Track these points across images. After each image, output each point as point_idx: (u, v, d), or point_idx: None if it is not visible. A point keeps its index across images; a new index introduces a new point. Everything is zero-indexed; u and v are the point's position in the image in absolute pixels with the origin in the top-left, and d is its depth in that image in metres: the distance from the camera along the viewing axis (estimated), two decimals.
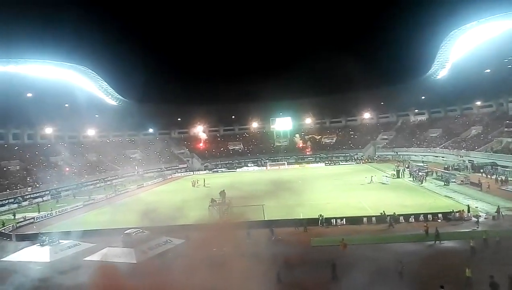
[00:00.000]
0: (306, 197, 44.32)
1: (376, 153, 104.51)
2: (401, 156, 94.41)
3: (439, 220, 34.95)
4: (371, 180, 59.95)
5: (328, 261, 23.57)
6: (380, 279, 21.94)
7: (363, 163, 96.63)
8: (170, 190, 68.78)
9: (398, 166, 71.18)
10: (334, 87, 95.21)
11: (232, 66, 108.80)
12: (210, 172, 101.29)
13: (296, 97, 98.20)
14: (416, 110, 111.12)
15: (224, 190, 39.99)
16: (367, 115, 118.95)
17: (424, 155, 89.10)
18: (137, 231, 32.67)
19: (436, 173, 62.11)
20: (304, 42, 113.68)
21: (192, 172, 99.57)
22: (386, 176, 61.86)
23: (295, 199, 40.47)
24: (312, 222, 35.72)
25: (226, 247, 28.59)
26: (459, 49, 74.59)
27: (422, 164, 72.47)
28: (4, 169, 71.69)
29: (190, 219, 34.95)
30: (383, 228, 33.79)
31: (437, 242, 28.53)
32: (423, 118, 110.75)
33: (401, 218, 35.37)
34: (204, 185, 70.05)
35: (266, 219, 34.02)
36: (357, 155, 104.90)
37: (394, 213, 35.85)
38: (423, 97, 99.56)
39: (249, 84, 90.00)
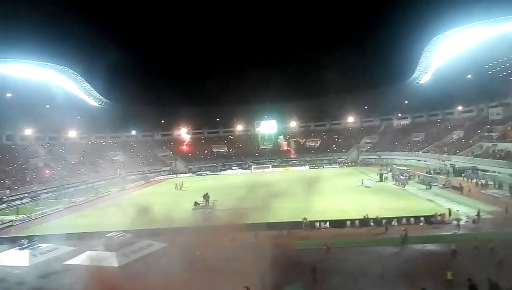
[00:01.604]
0: (289, 200, 44.30)
1: (360, 157, 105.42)
2: (384, 159, 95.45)
3: (421, 223, 35.32)
4: (362, 183, 60.22)
5: (310, 264, 23.54)
6: (362, 282, 22.02)
7: (346, 166, 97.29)
8: (152, 193, 68.02)
9: (381, 170, 71.81)
10: (319, 90, 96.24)
11: (217, 68, 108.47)
12: (194, 175, 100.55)
13: (281, 100, 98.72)
14: (400, 115, 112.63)
15: (207, 193, 39.78)
16: (351, 119, 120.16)
17: (407, 159, 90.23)
18: (119, 234, 32.19)
19: (419, 177, 62.86)
20: (289, 45, 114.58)
21: (175, 175, 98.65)
22: (369, 180, 62.35)
23: (278, 202, 40.35)
24: (296, 225, 35.67)
25: (209, 251, 28.35)
26: (441, 55, 76.04)
27: (404, 168, 73.28)
28: None
29: (173, 222, 34.59)
30: (379, 232, 33.79)
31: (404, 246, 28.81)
32: (406, 122, 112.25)
33: (383, 221, 35.60)
34: (181, 189, 69.41)
35: (250, 222, 33.78)
36: (340, 158, 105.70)
37: (377, 216, 36.11)
38: (406, 102, 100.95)
39: (234, 86, 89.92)
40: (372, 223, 35.74)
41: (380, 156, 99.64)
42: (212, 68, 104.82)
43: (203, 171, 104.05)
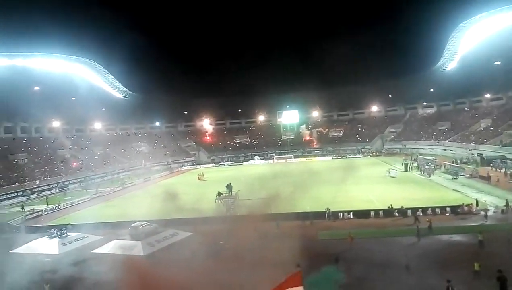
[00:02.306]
0: (312, 191, 44.17)
1: (384, 146, 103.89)
2: (409, 149, 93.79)
3: (447, 214, 34.72)
4: (389, 173, 59.40)
5: (334, 254, 23.52)
6: (386, 272, 21.85)
7: (370, 156, 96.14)
8: (176, 183, 68.85)
9: (406, 160, 70.66)
10: (342, 79, 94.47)
11: (239, 58, 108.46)
12: (216, 165, 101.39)
13: (303, 90, 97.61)
14: (425, 103, 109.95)
15: (230, 183, 40.01)
16: (374, 108, 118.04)
17: (433, 149, 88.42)
18: (144, 224, 32.83)
19: (445, 167, 61.57)
20: (312, 33, 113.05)
21: (198, 165, 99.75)
22: (394, 170, 61.41)
23: (301, 193, 40.32)
24: (319, 215, 35.62)
25: (232, 240, 28.63)
26: (468, 41, 73.77)
27: (430, 158, 71.87)
28: (13, 162, 72.24)
29: (197, 212, 35.05)
30: (404, 222, 33.33)
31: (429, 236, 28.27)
32: (431, 111, 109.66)
33: (409, 211, 35.12)
34: (202, 179, 69.94)
35: (272, 212, 33.88)
36: (364, 148, 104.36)
37: (402, 206, 35.66)
38: (431, 90, 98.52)
39: (256, 77, 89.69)
40: (396, 214, 35.31)
41: (404, 146, 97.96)
42: (234, 59, 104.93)
43: (225, 161, 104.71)
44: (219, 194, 39.26)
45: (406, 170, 64.32)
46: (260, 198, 35.15)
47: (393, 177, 57.90)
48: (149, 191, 59.93)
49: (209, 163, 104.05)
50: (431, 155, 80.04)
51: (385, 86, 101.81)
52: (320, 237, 30.35)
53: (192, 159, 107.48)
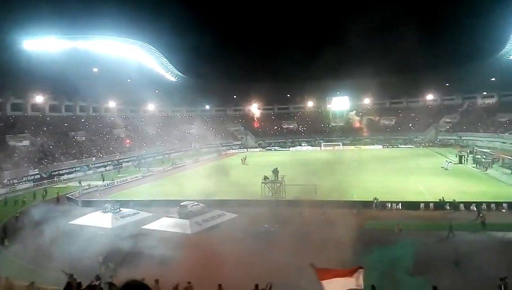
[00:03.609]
0: (360, 179, 43.39)
1: (438, 137, 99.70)
2: (464, 141, 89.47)
3: (504, 210, 32.95)
4: (447, 165, 56.98)
5: (381, 245, 23.07)
6: (434, 266, 21.19)
7: (423, 146, 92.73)
8: (223, 166, 69.86)
9: (460, 151, 67.51)
10: (396, 65, 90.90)
11: (289, 42, 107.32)
12: (263, 150, 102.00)
13: (354, 75, 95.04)
14: (485, 93, 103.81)
15: (277, 168, 40.14)
16: (430, 97, 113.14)
17: (491, 141, 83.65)
18: (192, 203, 33.80)
19: (503, 161, 58.14)
20: (365, 16, 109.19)
21: (246, 149, 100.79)
22: (450, 162, 58.77)
23: (348, 181, 39.79)
24: (366, 205, 35.00)
25: (277, 224, 28.95)
26: None
27: (488, 150, 68.15)
28: (73, 139, 76.44)
29: (243, 194, 35.56)
30: (455, 216, 32.07)
31: (451, 234, 26.78)
32: (491, 101, 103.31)
33: (461, 205, 33.69)
34: (245, 163, 70.50)
35: (318, 199, 33.75)
36: (417, 138, 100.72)
37: (454, 200, 34.27)
38: (493, 79, 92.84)
39: (306, 62, 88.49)
40: (448, 207, 33.99)
41: (460, 137, 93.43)
42: (284, 44, 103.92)
43: (272, 146, 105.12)
44: (265, 178, 39.52)
45: (460, 162, 61.49)
46: (306, 184, 35.13)
47: (447, 169, 55.55)
48: (197, 172, 61.51)
49: (256, 148, 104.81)
50: (488, 147, 75.84)
51: (443, 74, 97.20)
52: (366, 226, 29.87)
53: (239, 143, 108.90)
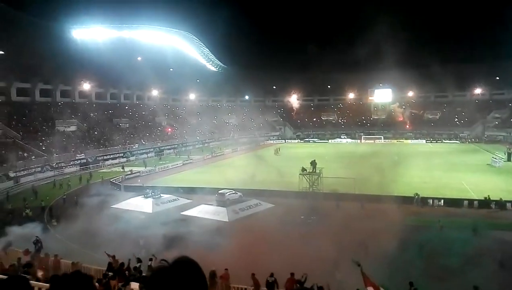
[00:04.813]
0: (401, 174, 42.33)
1: (485, 133, 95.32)
2: None
3: None
4: (498, 164, 54.59)
5: (420, 241, 22.57)
6: (476, 265, 20.41)
7: (469, 142, 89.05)
8: (261, 156, 69.96)
9: (509, 149, 64.30)
10: (443, 57, 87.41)
11: (331, 32, 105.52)
12: (301, 141, 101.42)
13: (398, 67, 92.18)
14: None
15: (315, 160, 39.80)
16: (478, 91, 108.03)
17: None
18: (230, 191, 34.29)
19: None
20: (410, 5, 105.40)
21: (284, 140, 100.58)
22: (500, 159, 56.08)
23: (388, 175, 38.89)
24: (406, 200, 34.13)
25: (314, 216, 28.84)
26: None
27: None
28: (117, 126, 79.03)
29: (281, 185, 35.57)
30: (501, 215, 30.80)
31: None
32: None
33: (508, 204, 32.19)
34: (278, 154, 70.10)
35: (357, 193, 33.27)
36: (462, 133, 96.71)
37: (501, 198, 32.80)
38: None
39: (347, 52, 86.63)
40: (493, 206, 32.58)
41: (510, 133, 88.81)
42: (326, 34, 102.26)
43: (310, 138, 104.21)
44: (303, 169, 39.32)
45: (509, 159, 58.65)
46: (345, 177, 34.69)
47: (498, 166, 53.04)
48: (236, 161, 62.08)
49: (294, 139, 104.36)
50: None
51: (493, 67, 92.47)
52: (406, 222, 29.13)
53: (277, 133, 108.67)
